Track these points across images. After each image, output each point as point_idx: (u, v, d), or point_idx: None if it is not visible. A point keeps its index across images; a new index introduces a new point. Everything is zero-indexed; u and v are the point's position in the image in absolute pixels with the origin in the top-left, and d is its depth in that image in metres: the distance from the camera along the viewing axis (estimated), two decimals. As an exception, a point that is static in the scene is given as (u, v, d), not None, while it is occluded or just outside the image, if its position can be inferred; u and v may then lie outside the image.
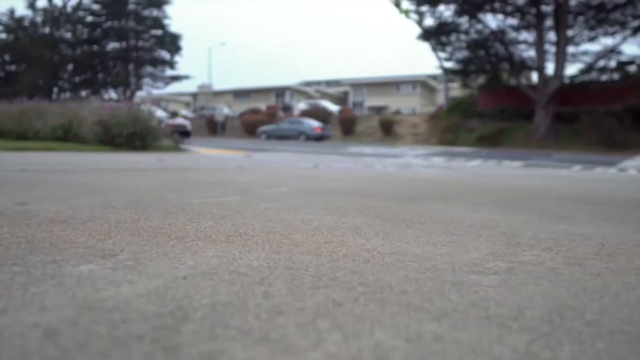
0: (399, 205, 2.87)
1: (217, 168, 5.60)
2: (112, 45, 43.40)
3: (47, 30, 41.42)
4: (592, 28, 24.60)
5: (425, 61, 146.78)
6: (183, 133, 16.23)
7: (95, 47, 42.92)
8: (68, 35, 42.10)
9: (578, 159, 11.89)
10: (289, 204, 2.80)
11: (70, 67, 42.00)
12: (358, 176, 5.25)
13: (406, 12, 25.41)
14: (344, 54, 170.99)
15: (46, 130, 10.55)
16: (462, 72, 27.21)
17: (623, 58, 24.22)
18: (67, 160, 6.01)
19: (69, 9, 41.70)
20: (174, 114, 28.62)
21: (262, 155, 10.18)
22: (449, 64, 27.62)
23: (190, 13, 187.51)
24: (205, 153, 9.86)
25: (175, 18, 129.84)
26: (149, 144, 9.73)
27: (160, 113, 17.41)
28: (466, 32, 26.42)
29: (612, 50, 24.25)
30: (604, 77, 24.35)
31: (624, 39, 23.85)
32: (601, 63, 24.43)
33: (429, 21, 47.10)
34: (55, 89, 41.31)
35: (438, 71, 29.67)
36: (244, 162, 6.91)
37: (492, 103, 27.04)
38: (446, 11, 26.22)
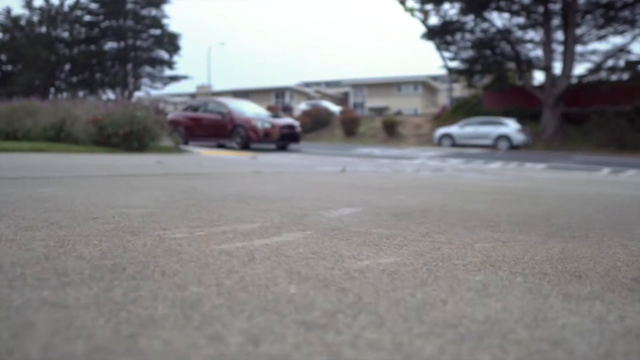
0: (566, 246, 1.93)
1: (230, 174, 4.89)
2: (110, 45, 42.87)
3: (43, 29, 40.83)
4: (600, 27, 24.08)
5: (427, 61, 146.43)
6: (290, 136, 13.96)
7: (92, 47, 42.34)
8: (65, 34, 41.52)
9: (599, 161, 11.35)
10: (412, 254, 1.66)
11: (67, 67, 41.41)
12: (411, 185, 4.41)
13: (411, 11, 24.86)
14: (345, 55, 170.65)
15: (37, 130, 9.95)
16: (467, 72, 26.67)
17: (632, 57, 23.72)
18: (51, 163, 5.37)
19: (66, 8, 41.13)
20: (276, 111, 25.25)
21: (268, 156, 9.57)
22: (453, 64, 27.07)
23: (189, 13, 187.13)
24: (206, 154, 9.27)
25: (174, 18, 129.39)
26: (147, 144, 9.14)
27: (258, 110, 15.17)
28: (471, 31, 25.89)
29: (621, 50, 23.74)
30: (614, 77, 23.84)
31: (634, 38, 23.34)
32: (610, 62, 23.92)
33: (433, 20, 46.69)
34: (52, 89, 40.70)
35: (440, 71, 29.27)
36: (255, 166, 6.25)
37: (497, 103, 26.51)
38: (451, 9, 25.71)
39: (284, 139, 13.32)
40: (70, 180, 3.63)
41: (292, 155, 10.52)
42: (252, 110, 14.18)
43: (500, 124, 21.82)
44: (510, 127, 21.43)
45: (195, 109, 14.93)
